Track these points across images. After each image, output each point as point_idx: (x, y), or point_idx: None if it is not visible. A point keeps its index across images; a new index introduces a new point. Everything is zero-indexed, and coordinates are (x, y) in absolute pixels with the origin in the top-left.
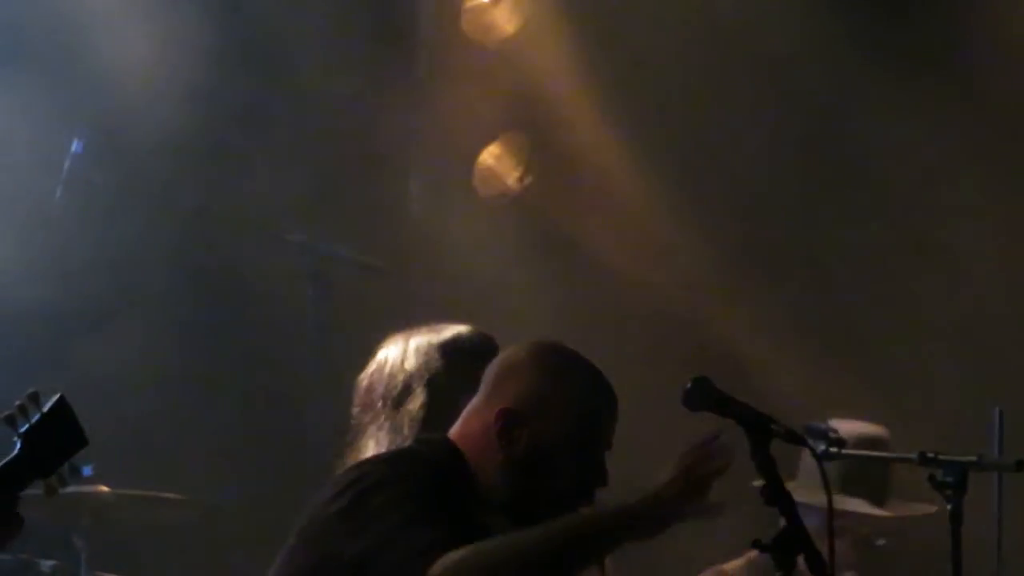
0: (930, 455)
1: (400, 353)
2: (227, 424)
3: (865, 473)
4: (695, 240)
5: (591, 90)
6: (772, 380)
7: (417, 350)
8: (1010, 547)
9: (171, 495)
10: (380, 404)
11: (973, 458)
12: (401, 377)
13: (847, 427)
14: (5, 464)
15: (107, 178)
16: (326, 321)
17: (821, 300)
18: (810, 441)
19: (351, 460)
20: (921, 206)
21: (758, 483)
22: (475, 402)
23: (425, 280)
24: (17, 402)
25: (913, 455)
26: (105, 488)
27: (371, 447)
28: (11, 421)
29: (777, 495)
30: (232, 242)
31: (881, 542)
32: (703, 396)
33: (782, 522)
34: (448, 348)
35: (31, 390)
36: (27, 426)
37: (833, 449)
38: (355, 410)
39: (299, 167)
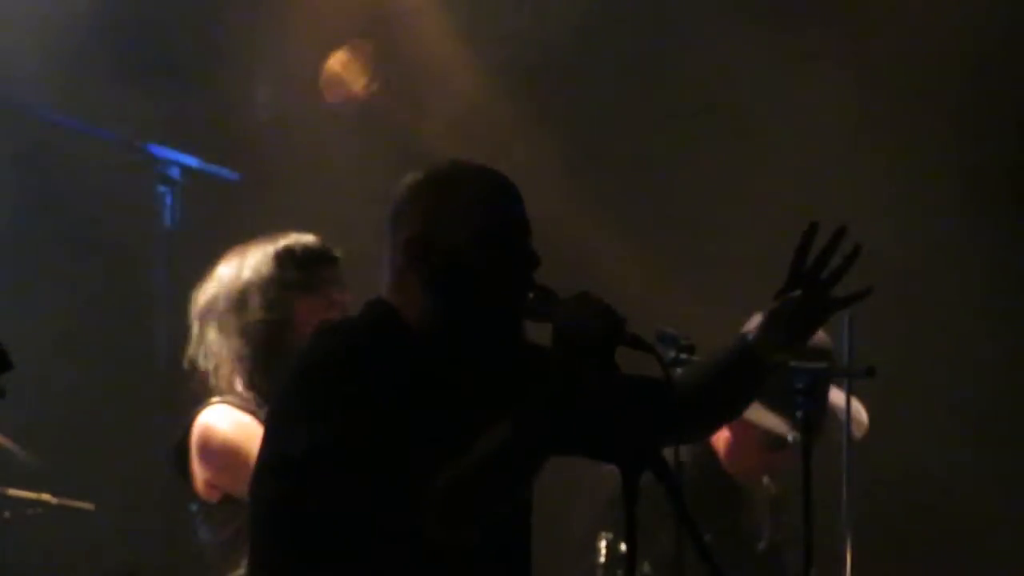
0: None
1: (236, 267)
2: (73, 326)
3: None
4: (538, 142)
5: None
6: (614, 284)
7: (251, 262)
8: (859, 452)
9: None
10: (220, 313)
11: (823, 364)
12: (238, 287)
13: None
14: None
15: None
16: (176, 231)
17: (665, 201)
18: (659, 348)
19: (202, 367)
20: (765, 107)
21: None
22: (384, 255)
23: (273, 188)
24: None
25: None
26: None
27: (220, 349)
28: None
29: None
30: (81, 152)
31: (792, 437)
32: (544, 306)
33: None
34: (279, 255)
35: None
36: None
37: (683, 356)
38: (195, 322)
39: (146, 74)
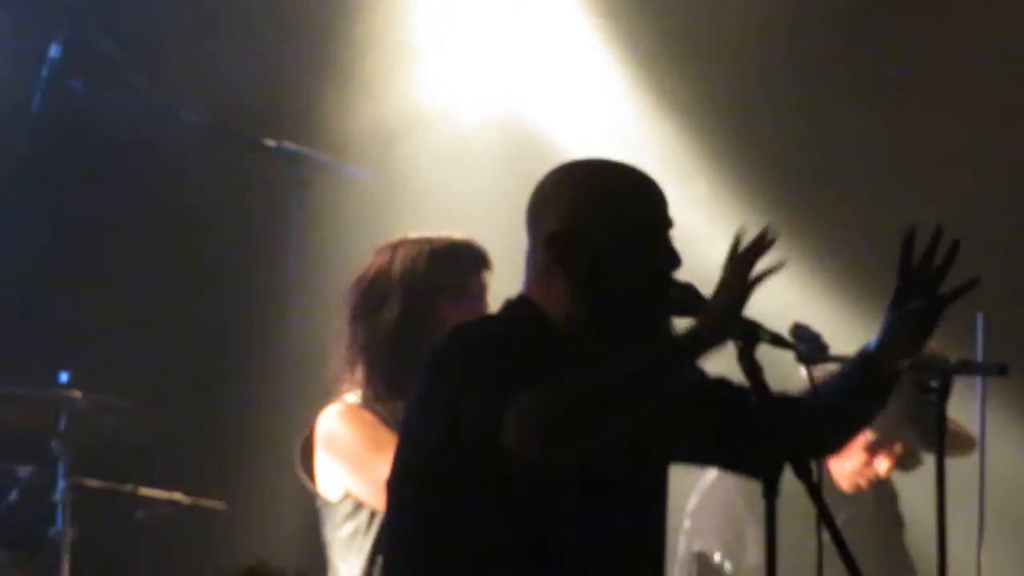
0: (915, 359)
1: (387, 259)
2: (207, 332)
3: (925, 412)
4: (666, 136)
5: None
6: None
7: (404, 256)
8: (992, 451)
9: (143, 407)
10: (359, 309)
11: (957, 362)
12: (382, 285)
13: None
14: None
15: (85, 83)
16: (305, 228)
17: (791, 199)
18: (796, 343)
19: (335, 363)
20: (898, 102)
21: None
22: (527, 251)
23: (404, 188)
24: None
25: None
26: (81, 394)
27: (356, 341)
28: None
29: (765, 402)
30: (210, 149)
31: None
32: (688, 302)
33: None
34: (436, 255)
35: None
36: None
37: (818, 353)
38: (341, 311)
39: (276, 73)
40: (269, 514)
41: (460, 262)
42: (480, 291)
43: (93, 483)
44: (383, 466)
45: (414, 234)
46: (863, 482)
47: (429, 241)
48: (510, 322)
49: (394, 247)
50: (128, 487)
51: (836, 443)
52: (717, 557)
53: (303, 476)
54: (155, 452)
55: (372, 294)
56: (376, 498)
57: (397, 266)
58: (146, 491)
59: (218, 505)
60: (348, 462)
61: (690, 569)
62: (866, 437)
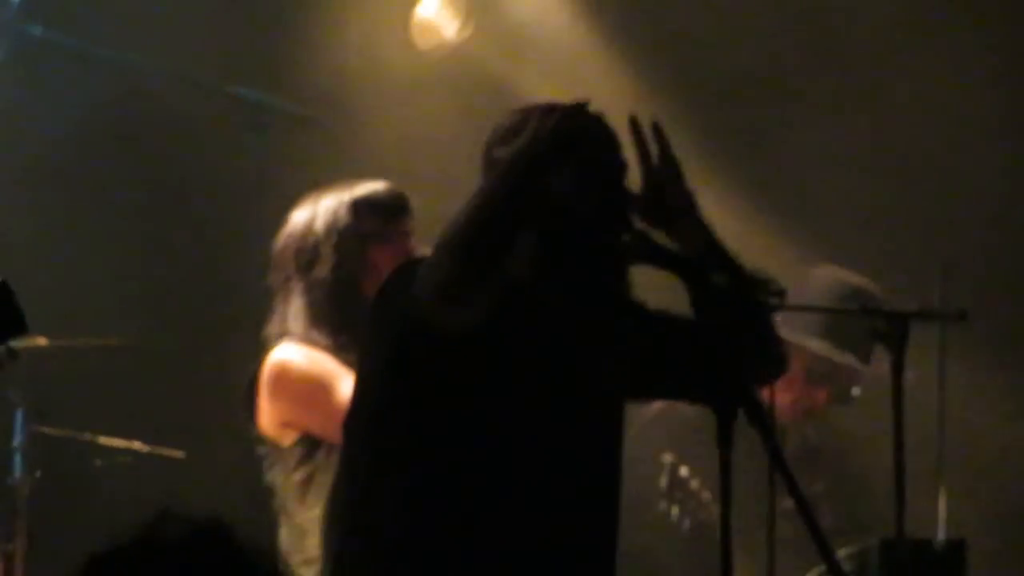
0: (872, 305)
1: (310, 215)
2: (163, 274)
3: (853, 328)
4: (629, 87)
5: None
6: None
7: (326, 210)
8: (951, 398)
9: (109, 341)
10: (292, 267)
11: (915, 308)
12: (311, 240)
13: (830, 274)
14: None
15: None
16: (262, 172)
17: (754, 146)
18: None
19: (273, 323)
20: (861, 52)
21: None
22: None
23: (363, 133)
24: None
25: (855, 306)
26: (42, 340)
27: (288, 312)
28: None
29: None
30: (166, 94)
31: (856, 392)
32: (641, 248)
33: None
34: (358, 204)
35: None
36: None
37: (776, 301)
38: (271, 273)
39: (233, 16)
40: (228, 463)
41: (381, 208)
42: (404, 235)
43: (51, 431)
44: (336, 396)
45: (333, 187)
46: (800, 414)
47: (349, 190)
48: None
49: (315, 202)
50: (86, 435)
51: (761, 349)
52: (684, 471)
53: (247, 422)
54: (114, 400)
55: (304, 251)
56: (332, 428)
57: (321, 220)
58: (105, 439)
59: (176, 453)
60: (304, 397)
61: (656, 476)
62: (801, 365)
